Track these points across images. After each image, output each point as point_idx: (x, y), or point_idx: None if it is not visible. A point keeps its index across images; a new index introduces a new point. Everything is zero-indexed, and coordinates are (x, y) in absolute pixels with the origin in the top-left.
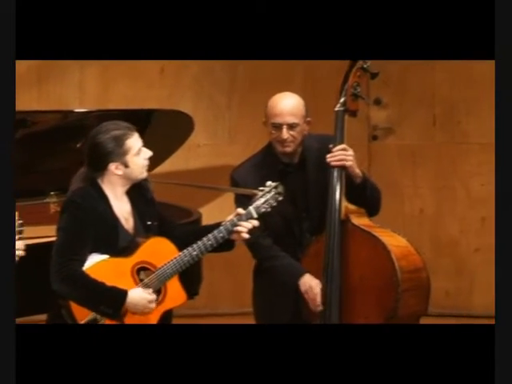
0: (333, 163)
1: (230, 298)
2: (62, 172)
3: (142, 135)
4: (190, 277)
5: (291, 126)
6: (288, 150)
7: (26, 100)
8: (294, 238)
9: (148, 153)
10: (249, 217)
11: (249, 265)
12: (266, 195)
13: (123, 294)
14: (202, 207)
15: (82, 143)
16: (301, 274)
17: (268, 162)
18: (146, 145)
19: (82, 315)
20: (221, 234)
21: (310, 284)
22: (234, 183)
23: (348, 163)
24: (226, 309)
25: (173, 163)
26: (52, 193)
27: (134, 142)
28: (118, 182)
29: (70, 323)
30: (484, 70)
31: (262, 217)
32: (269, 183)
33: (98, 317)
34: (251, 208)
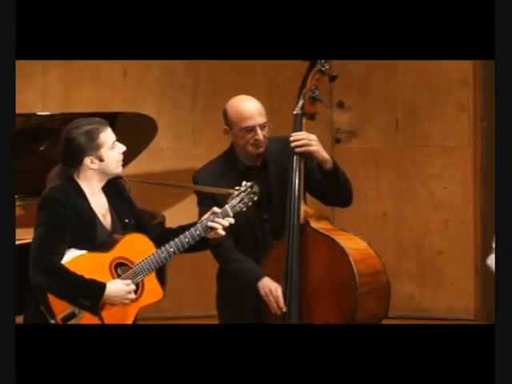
0: (297, 149)
1: (194, 301)
2: (25, 175)
3: None
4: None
5: (263, 126)
6: (262, 150)
7: None
8: (256, 240)
9: (122, 147)
10: (224, 215)
11: (213, 267)
12: (242, 194)
13: (102, 286)
14: (165, 210)
15: (45, 146)
16: (260, 278)
17: (230, 165)
18: None
19: (61, 309)
20: (197, 232)
21: (270, 287)
22: (198, 187)
23: (313, 148)
24: (190, 311)
25: (136, 166)
26: (16, 196)
27: (108, 136)
28: (94, 176)
29: (48, 319)
30: (445, 73)
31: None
32: (244, 183)
33: (77, 311)
34: (227, 207)
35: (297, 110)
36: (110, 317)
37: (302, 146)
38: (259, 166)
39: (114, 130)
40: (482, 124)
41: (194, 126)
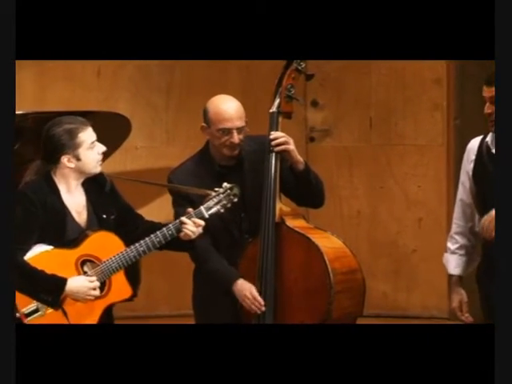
0: (277, 148)
1: (168, 300)
2: None
3: None
4: (129, 279)
5: (240, 130)
6: (236, 152)
7: None
8: (234, 239)
9: (102, 148)
10: (199, 216)
11: (187, 267)
12: (220, 196)
13: (62, 281)
14: (141, 209)
15: (18, 145)
16: (234, 279)
17: (206, 164)
18: None
19: (24, 304)
20: (169, 232)
21: (244, 292)
22: (172, 186)
23: (291, 147)
24: (164, 311)
25: (110, 165)
26: None
27: (88, 135)
28: (71, 175)
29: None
30: (418, 72)
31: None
32: (224, 184)
33: (40, 306)
34: (202, 208)
35: (273, 109)
36: (74, 313)
37: (281, 144)
38: (235, 165)
39: None
40: (455, 122)
41: (167, 125)
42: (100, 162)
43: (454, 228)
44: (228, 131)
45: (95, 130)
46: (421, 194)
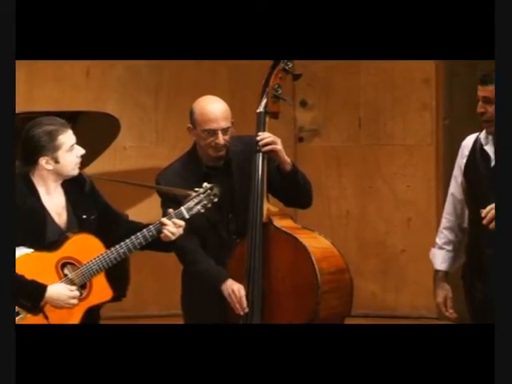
0: (264, 148)
1: (157, 300)
2: None
3: None
4: (118, 279)
5: (225, 131)
6: (222, 153)
7: None
8: (222, 241)
9: (81, 150)
10: (180, 217)
11: (176, 267)
12: (200, 196)
13: (42, 288)
14: (128, 209)
15: None
16: (223, 280)
17: (193, 166)
18: None
19: None
20: (150, 233)
21: (233, 288)
22: (160, 188)
23: (278, 147)
24: (153, 311)
25: (99, 165)
26: None
27: (67, 138)
28: (49, 177)
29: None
30: (407, 72)
31: (187, 220)
32: (204, 185)
33: (20, 310)
34: (182, 208)
35: (260, 109)
36: (55, 315)
37: (269, 144)
38: (222, 166)
39: (78, 129)
40: (444, 122)
41: (156, 125)
42: (78, 165)
43: (444, 223)
44: (213, 132)
45: (84, 130)
46: (410, 194)
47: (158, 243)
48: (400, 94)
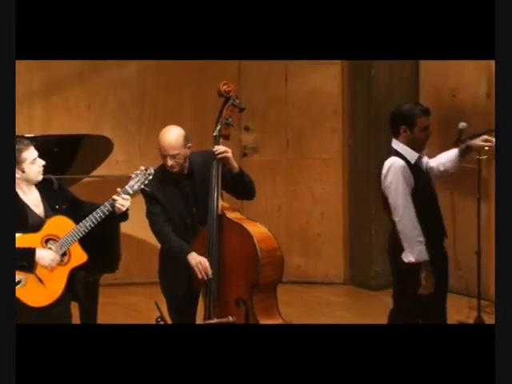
0: (220, 155)
1: (141, 271)
2: None
3: (74, 153)
4: (112, 255)
5: (173, 156)
6: (174, 170)
7: None
8: (188, 228)
9: (41, 162)
10: (126, 193)
11: (155, 247)
12: (138, 176)
13: (33, 249)
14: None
15: None
16: (189, 252)
17: (166, 173)
18: (78, 161)
19: None
20: (106, 208)
21: (199, 259)
22: (143, 189)
23: (229, 155)
24: (138, 279)
25: (98, 173)
26: None
27: (29, 153)
28: (21, 182)
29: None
30: (322, 106)
31: (164, 212)
32: (141, 167)
33: (21, 277)
34: (127, 187)
35: (216, 133)
36: (47, 279)
37: (222, 152)
38: (186, 174)
39: (82, 147)
40: (348, 142)
41: (140, 144)
42: (41, 173)
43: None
44: (164, 156)
45: (88, 148)
46: (324, 194)
47: (114, 215)
48: (316, 121)
